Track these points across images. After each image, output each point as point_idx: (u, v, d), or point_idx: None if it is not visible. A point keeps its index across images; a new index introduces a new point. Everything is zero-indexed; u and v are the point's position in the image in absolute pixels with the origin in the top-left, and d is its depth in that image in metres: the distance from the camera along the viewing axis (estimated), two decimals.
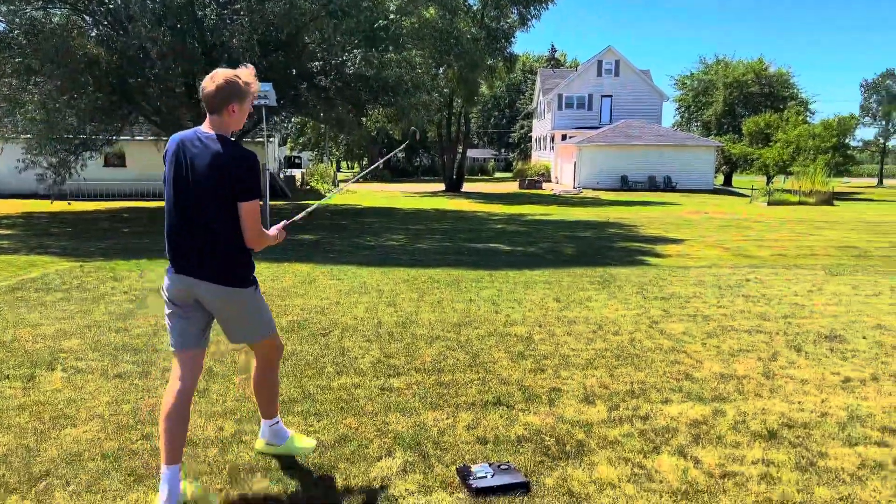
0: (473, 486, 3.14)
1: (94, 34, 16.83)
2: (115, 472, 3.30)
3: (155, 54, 14.82)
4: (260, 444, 3.55)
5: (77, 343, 5.63)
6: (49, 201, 22.57)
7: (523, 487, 3.17)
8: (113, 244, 12.60)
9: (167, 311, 3.16)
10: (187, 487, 3.08)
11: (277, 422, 3.53)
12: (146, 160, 25.94)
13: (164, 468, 2.98)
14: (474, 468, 3.30)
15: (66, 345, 5.58)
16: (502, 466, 3.31)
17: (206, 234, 3.02)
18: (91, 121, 16.84)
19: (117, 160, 26.68)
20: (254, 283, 3.18)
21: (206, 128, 3.08)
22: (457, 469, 3.35)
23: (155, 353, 5.33)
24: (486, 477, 3.21)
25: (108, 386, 4.57)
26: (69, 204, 22.61)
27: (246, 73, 3.11)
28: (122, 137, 20.93)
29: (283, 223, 3.39)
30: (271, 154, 29.19)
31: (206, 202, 2.99)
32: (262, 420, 3.53)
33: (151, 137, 22.10)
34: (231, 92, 3.03)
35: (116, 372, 4.86)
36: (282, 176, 32.86)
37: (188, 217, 3.02)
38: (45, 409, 4.12)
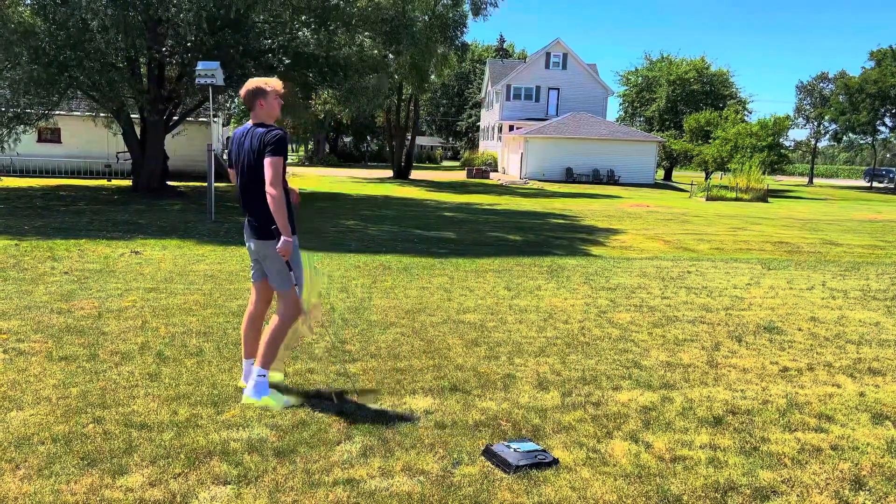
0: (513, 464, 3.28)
1: (29, 2, 16.06)
2: (66, 456, 3.22)
3: (96, 27, 14.24)
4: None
5: (17, 324, 5.42)
6: None
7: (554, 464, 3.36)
8: (49, 222, 12.12)
9: None
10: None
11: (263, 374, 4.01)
12: (83, 136, 24.95)
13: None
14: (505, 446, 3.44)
15: (4, 325, 5.37)
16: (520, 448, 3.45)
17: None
18: (26, 94, 16.07)
19: (52, 135, 25.59)
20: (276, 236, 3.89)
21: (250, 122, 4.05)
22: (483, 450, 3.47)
23: (102, 336, 5.18)
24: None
25: (54, 369, 4.43)
26: (0, 180, 21.62)
27: (270, 79, 4.01)
28: (57, 112, 20.04)
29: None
30: (215, 134, 28.46)
31: None
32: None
33: (88, 113, 21.23)
34: (255, 92, 3.95)
35: (62, 354, 4.71)
36: (225, 157, 32.14)
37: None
38: None
